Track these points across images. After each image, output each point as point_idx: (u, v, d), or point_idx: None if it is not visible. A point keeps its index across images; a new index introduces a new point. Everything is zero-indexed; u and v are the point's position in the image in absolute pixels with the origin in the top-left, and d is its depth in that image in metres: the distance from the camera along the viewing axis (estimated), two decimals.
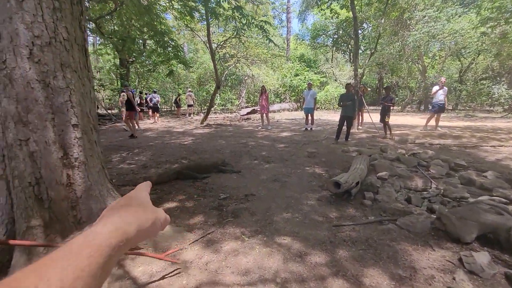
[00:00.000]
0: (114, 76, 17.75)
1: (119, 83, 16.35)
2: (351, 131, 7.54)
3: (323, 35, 27.58)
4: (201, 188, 3.74)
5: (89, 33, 10.13)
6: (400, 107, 20.88)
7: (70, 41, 2.04)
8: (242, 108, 19.49)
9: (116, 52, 13.94)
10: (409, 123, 11.51)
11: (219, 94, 18.89)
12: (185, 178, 4.09)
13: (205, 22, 10.36)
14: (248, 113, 16.01)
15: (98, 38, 15.97)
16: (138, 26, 7.95)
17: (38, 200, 1.95)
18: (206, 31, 10.77)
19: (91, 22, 7.94)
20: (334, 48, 27.85)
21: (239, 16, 7.33)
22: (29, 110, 1.88)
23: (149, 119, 14.44)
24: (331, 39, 27.64)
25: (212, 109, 16.15)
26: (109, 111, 14.25)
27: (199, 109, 20.57)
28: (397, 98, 20.77)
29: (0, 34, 1.77)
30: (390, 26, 18.32)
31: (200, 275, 1.98)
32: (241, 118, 14.75)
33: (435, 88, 8.81)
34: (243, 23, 7.65)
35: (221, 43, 14.83)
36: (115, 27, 9.45)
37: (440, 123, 9.33)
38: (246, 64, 18.98)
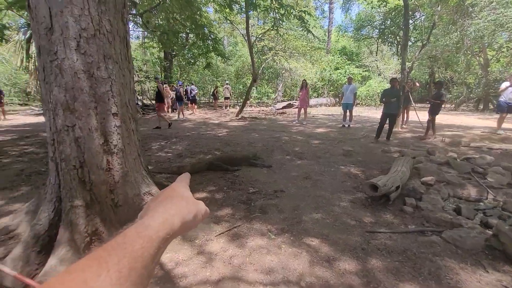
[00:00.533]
0: (158, 68, 18.78)
1: (163, 75, 17.26)
2: (393, 129, 6.97)
3: (368, 26, 25.81)
4: (231, 181, 3.76)
5: (137, 27, 10.77)
6: (453, 105, 18.79)
7: (113, 33, 2.13)
8: (277, 102, 19.30)
9: (160, 46, 14.70)
10: (464, 123, 10.28)
11: (256, 88, 18.90)
12: (217, 170, 4.15)
13: (244, 15, 10.33)
14: (283, 107, 15.78)
15: (145, 32, 16.94)
16: (180, 19, 8.22)
17: (81, 182, 2.11)
18: (245, 24, 10.75)
19: (138, 17, 8.42)
20: (380, 40, 25.94)
21: (278, 7, 7.14)
22: (75, 98, 2.02)
23: (187, 110, 15.04)
24: (377, 30, 25.75)
25: (248, 102, 16.23)
26: (153, 102, 15.12)
27: (235, 102, 20.85)
28: (449, 95, 18.72)
29: (52, 26, 1.91)
30: (448, 14, 16.38)
31: (224, 268, 1.98)
32: (276, 112, 14.60)
33: (505, 84, 7.56)
34: (282, 14, 7.44)
35: (260, 36, 14.72)
36: (160, 21, 9.90)
37: (504, 125, 8.12)
38: (284, 57, 18.63)
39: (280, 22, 9.40)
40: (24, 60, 11.65)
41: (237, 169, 4.19)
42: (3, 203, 3.08)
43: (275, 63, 19.86)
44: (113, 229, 2.25)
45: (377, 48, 27.53)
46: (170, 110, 14.11)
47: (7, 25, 9.38)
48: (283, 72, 20.70)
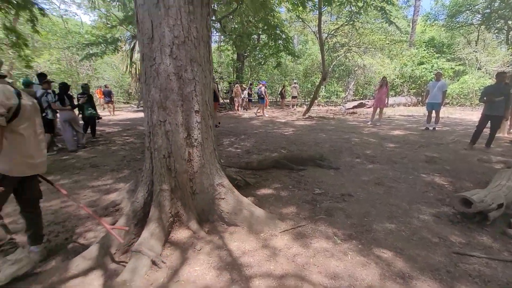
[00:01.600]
0: (231, 69, 20.05)
1: (235, 76, 18.35)
2: (497, 135, 5.73)
3: (467, 11, 21.69)
4: (297, 180, 3.75)
5: (215, 32, 11.73)
6: None
7: (198, 39, 2.39)
8: (348, 101, 18.18)
9: (234, 48, 15.67)
10: None
11: (324, 86, 18.23)
12: (282, 168, 4.21)
13: (317, 12, 10.07)
14: (354, 107, 14.79)
15: (221, 36, 18.30)
16: (254, 21, 8.57)
17: (168, 170, 2.45)
18: (317, 21, 10.48)
19: (216, 22, 9.16)
20: (483, 26, 21.51)
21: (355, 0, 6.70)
22: (167, 97, 2.35)
23: (255, 108, 15.61)
24: (480, 16, 21.41)
25: (316, 101, 15.81)
26: (226, 101, 16.28)
27: (303, 101, 20.57)
28: None
29: (153, 36, 2.26)
30: None
31: (287, 265, 2.01)
32: (346, 111, 13.79)
33: None
34: (360, 6, 6.95)
35: (332, 32, 14.09)
36: (235, 25, 10.55)
37: None
38: (358, 53, 17.38)
39: (357, 15, 8.80)
40: (128, 66, 14.11)
41: (303, 169, 4.15)
42: (111, 182, 3.84)
43: (347, 60, 18.74)
44: (190, 214, 2.55)
45: (478, 37, 22.96)
46: (240, 108, 14.91)
47: (119, 38, 11.55)
48: (355, 69, 19.36)
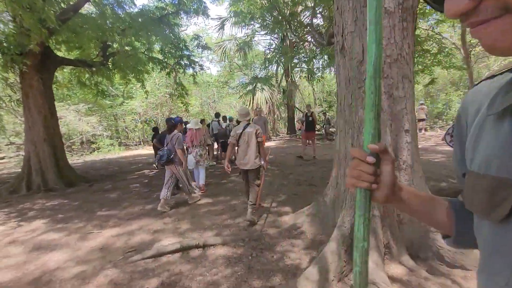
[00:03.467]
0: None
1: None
2: None
3: None
4: None
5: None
6: None
7: (410, 55, 2.27)
8: None
9: None
10: None
11: None
12: None
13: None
14: None
15: None
16: None
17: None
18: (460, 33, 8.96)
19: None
20: None
21: None
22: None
23: None
24: None
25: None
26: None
27: (431, 123, 17.58)
28: None
29: (363, 59, 2.29)
30: None
31: None
32: None
33: None
34: None
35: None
36: None
37: None
38: None
39: None
40: (251, 103, 16.02)
41: None
42: (277, 205, 4.02)
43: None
44: (400, 246, 2.24)
45: None
46: None
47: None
48: None
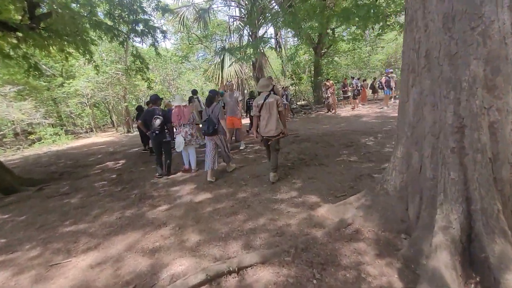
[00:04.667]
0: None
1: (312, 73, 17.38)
2: None
3: None
4: None
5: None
6: None
7: None
8: None
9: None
10: None
11: None
12: None
13: None
14: None
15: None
16: None
17: (494, 180, 1.66)
18: None
19: None
20: None
21: None
22: (497, 71, 1.57)
23: (350, 105, 14.37)
24: None
25: None
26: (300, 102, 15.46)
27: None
28: None
29: None
30: None
31: None
32: None
33: None
34: None
35: None
36: None
37: None
38: None
39: None
40: (220, 76, 14.54)
41: None
42: (297, 194, 3.30)
43: None
44: None
45: None
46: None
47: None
48: None
